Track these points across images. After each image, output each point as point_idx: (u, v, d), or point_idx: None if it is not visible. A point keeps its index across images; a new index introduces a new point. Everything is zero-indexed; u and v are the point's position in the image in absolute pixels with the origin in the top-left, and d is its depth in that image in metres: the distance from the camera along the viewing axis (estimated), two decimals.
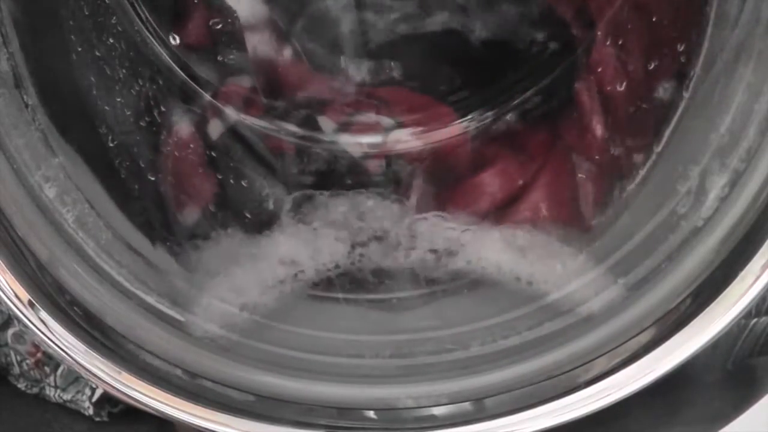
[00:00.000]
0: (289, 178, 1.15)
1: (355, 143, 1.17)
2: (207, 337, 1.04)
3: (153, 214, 1.11)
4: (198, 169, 1.13)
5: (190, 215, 1.12)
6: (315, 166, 1.15)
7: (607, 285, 1.03)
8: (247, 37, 1.14)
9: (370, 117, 1.18)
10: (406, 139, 1.18)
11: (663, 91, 1.07)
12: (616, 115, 1.10)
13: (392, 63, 1.17)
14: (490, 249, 1.09)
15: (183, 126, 1.13)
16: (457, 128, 1.18)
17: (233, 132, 1.15)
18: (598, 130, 1.11)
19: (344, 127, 1.17)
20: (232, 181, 1.14)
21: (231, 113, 1.15)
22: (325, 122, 1.16)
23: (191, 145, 1.13)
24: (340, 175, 1.15)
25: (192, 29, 1.13)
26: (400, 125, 1.18)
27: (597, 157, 1.12)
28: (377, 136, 1.18)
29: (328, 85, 1.18)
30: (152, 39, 1.11)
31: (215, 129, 1.14)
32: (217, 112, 1.14)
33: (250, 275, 1.08)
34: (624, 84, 1.09)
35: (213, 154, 1.14)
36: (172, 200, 1.12)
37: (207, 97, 1.14)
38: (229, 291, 1.10)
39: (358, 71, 1.17)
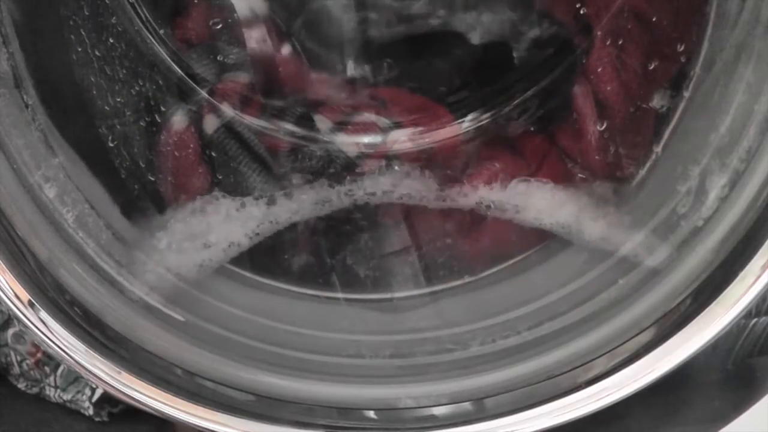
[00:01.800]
0: (282, 176, 1.15)
1: (352, 143, 1.17)
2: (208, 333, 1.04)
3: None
4: (194, 167, 1.13)
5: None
6: (309, 165, 1.15)
7: (608, 284, 1.04)
8: (246, 35, 1.14)
9: (368, 117, 1.18)
10: (404, 140, 1.18)
11: (662, 91, 1.07)
12: (615, 117, 1.10)
13: (391, 63, 1.17)
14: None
15: (180, 123, 1.13)
16: (454, 129, 1.18)
17: (229, 129, 1.15)
18: (594, 134, 1.11)
19: (341, 127, 1.17)
20: (230, 179, 1.14)
21: (227, 110, 1.15)
22: (322, 121, 1.16)
23: (187, 143, 1.12)
24: (335, 175, 1.15)
25: (191, 27, 1.13)
26: (398, 125, 1.18)
27: (592, 161, 1.12)
28: (375, 137, 1.18)
29: (325, 84, 1.18)
30: (152, 38, 1.11)
31: (210, 125, 1.14)
32: (214, 109, 1.14)
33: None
34: (623, 85, 1.09)
35: (209, 151, 1.14)
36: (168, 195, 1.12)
37: (203, 94, 1.14)
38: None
39: (356, 71, 1.17)
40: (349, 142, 1.16)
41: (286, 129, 1.16)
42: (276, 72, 1.16)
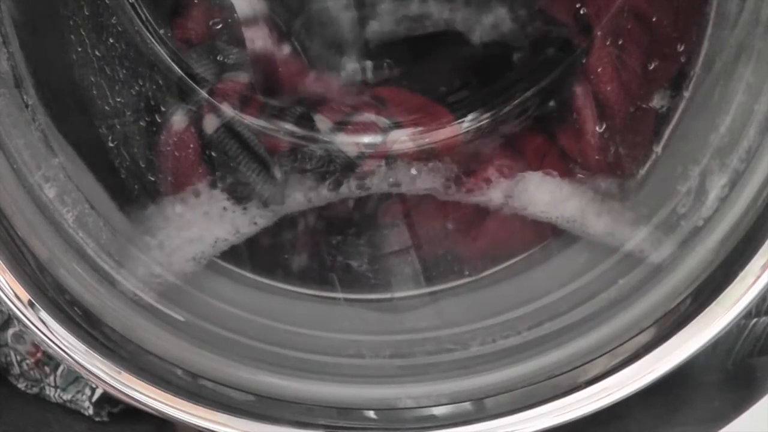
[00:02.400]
0: (282, 176, 1.15)
1: (352, 143, 1.17)
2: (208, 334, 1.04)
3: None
4: (194, 167, 1.13)
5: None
6: (309, 165, 1.15)
7: (608, 284, 1.04)
8: (246, 35, 1.14)
9: (368, 117, 1.18)
10: (404, 140, 1.18)
11: (662, 91, 1.07)
12: (615, 117, 1.10)
13: (391, 63, 1.17)
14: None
15: (180, 123, 1.13)
16: (454, 129, 1.18)
17: (229, 129, 1.15)
18: (594, 134, 1.11)
19: (341, 127, 1.17)
20: (230, 179, 1.14)
21: (227, 110, 1.15)
22: (322, 121, 1.16)
23: (187, 143, 1.12)
24: (334, 174, 1.16)
25: (192, 27, 1.13)
26: (398, 125, 1.18)
27: (592, 161, 1.12)
28: (375, 137, 1.18)
29: (325, 84, 1.18)
30: (152, 39, 1.11)
31: (210, 125, 1.14)
32: (214, 109, 1.14)
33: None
34: (623, 85, 1.09)
35: (209, 151, 1.14)
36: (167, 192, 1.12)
37: (203, 94, 1.14)
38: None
39: (356, 71, 1.17)
40: (349, 142, 1.16)
41: (286, 129, 1.16)
42: (276, 72, 1.16)
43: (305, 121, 1.16)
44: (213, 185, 1.12)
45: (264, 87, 1.16)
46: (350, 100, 1.17)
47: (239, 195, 1.11)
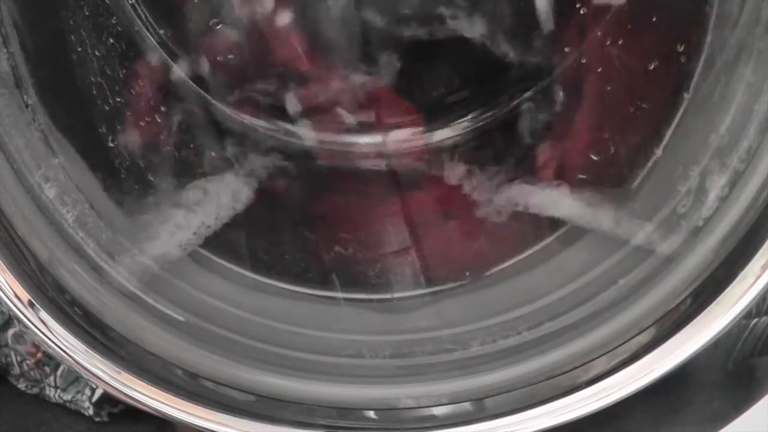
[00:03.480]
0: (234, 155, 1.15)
1: (315, 133, 1.17)
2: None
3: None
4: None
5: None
6: (266, 147, 1.16)
7: (608, 284, 1.04)
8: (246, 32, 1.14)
9: (339, 112, 1.18)
10: (404, 140, 1.18)
11: (663, 91, 1.07)
12: (615, 117, 1.10)
13: (391, 62, 1.17)
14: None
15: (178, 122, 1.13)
16: (455, 129, 1.18)
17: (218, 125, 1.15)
18: (593, 135, 1.11)
19: (308, 114, 1.17)
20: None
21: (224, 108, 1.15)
22: (292, 102, 1.16)
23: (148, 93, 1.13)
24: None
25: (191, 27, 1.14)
26: (398, 126, 1.18)
27: (591, 162, 1.12)
28: (375, 136, 1.18)
29: (314, 70, 1.18)
30: (152, 39, 1.11)
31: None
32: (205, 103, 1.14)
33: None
34: (623, 85, 1.09)
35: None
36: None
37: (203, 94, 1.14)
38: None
39: (354, 70, 1.17)
40: (311, 132, 1.16)
41: (253, 111, 1.16)
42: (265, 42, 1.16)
43: (275, 101, 1.16)
44: (199, 175, 1.12)
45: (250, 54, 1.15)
46: (330, 92, 1.17)
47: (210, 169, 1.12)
